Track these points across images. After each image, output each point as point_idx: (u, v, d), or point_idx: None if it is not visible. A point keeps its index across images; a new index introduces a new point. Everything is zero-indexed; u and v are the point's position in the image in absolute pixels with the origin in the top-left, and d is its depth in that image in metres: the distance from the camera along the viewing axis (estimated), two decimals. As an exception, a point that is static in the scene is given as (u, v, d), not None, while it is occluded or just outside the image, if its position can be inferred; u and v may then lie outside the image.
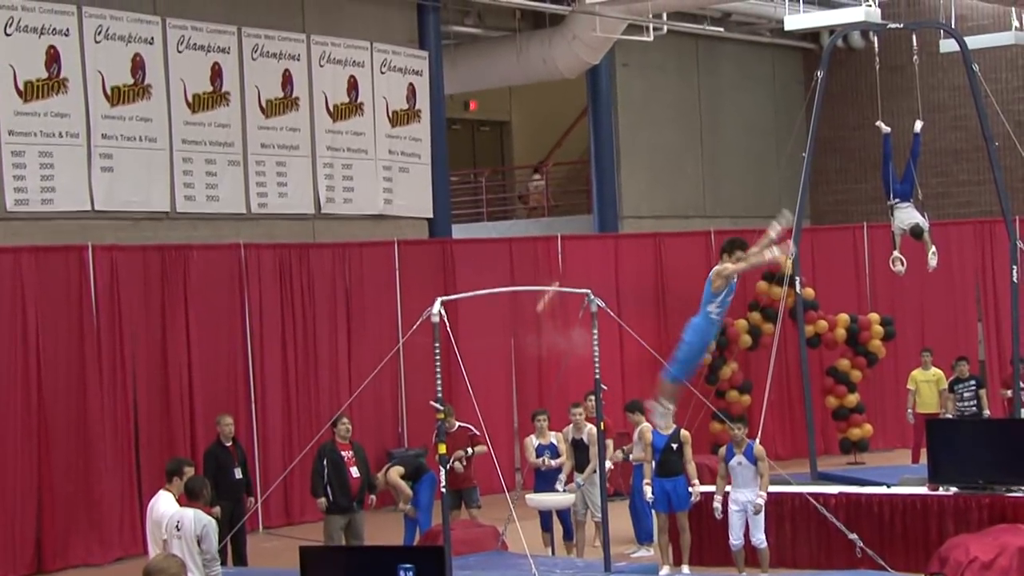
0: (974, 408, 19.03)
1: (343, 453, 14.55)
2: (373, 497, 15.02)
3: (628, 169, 25.11)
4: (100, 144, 17.64)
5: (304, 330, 19.23)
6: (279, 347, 18.95)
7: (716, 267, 13.80)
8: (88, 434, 16.81)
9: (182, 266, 18.02)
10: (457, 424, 15.49)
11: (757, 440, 14.29)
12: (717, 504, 13.83)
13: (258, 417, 18.59)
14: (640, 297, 21.75)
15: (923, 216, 17.26)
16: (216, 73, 19.00)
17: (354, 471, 14.50)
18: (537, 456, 15.24)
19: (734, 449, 13.86)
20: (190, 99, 18.65)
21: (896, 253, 17.18)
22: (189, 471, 11.32)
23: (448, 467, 15.04)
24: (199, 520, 10.55)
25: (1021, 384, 18.70)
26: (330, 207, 20.37)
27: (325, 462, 14.48)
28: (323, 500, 14.51)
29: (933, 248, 16.70)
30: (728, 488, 13.87)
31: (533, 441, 15.41)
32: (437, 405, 11.94)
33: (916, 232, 16.84)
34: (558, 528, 15.27)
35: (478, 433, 15.39)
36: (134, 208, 18.12)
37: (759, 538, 13.72)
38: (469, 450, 15.43)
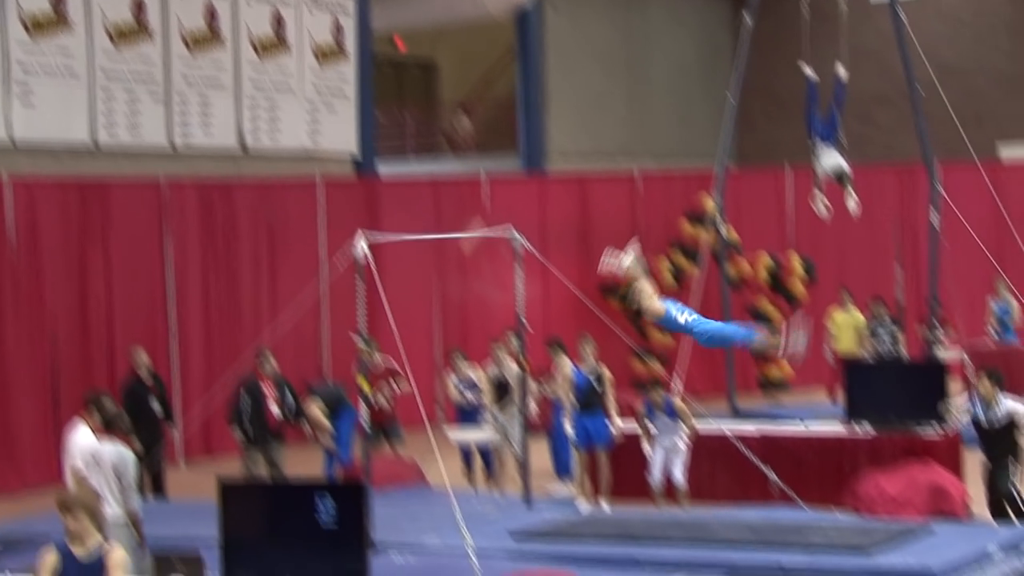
0: (890, 348, 19.30)
1: (265, 388, 14.52)
2: (309, 428, 15.08)
3: (555, 110, 25.12)
4: (19, 76, 17.41)
5: (226, 267, 19.16)
6: (200, 283, 18.89)
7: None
8: (5, 365, 16.72)
9: (103, 201, 17.88)
10: (380, 360, 15.53)
11: (675, 393, 14.49)
12: (648, 448, 13.97)
13: (179, 351, 18.55)
14: (565, 237, 21.83)
15: (844, 160, 17.39)
16: (139, 6, 18.78)
17: (274, 409, 14.47)
18: (458, 393, 15.34)
19: (654, 409, 13.99)
20: (112, 32, 18.44)
21: (819, 193, 17.31)
22: (108, 403, 11.28)
23: (371, 402, 15.15)
24: (117, 452, 10.51)
25: (936, 325, 18.98)
26: (254, 144, 20.25)
27: (245, 395, 14.47)
28: (238, 431, 14.56)
29: (853, 195, 16.84)
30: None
31: (453, 378, 15.51)
32: (358, 338, 11.96)
33: (840, 176, 16.97)
34: (479, 463, 15.38)
35: (399, 369, 15.45)
36: (54, 142, 17.93)
37: (678, 475, 13.89)
38: (392, 385, 15.49)
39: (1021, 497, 12.12)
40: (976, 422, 12.34)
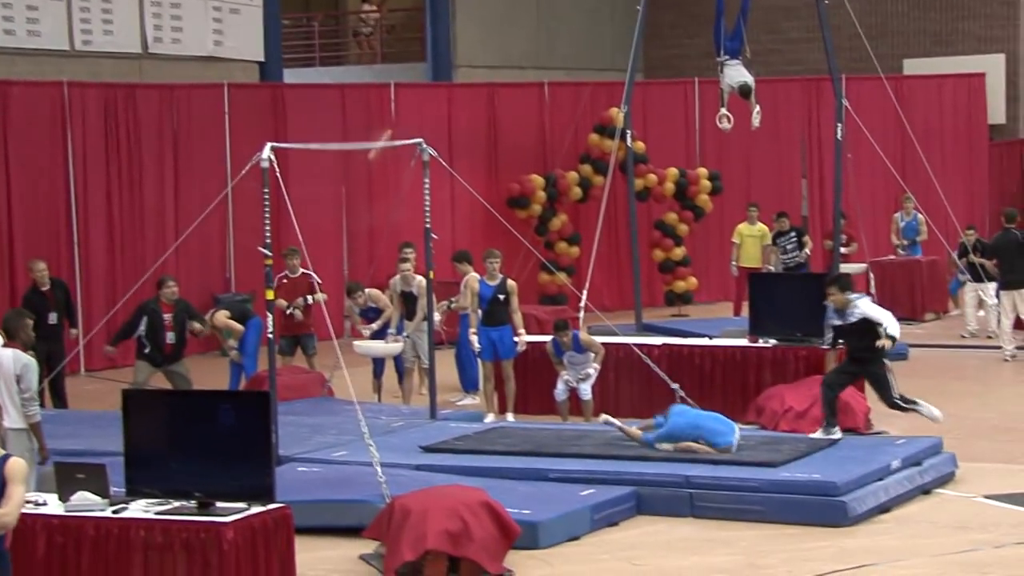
0: (797, 258, 19.40)
1: (164, 316, 14.21)
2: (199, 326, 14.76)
3: (463, 17, 24.87)
4: (-88, -27, 16.95)
5: (129, 173, 18.85)
6: (103, 190, 18.58)
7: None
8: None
9: (2, 104, 17.46)
10: (300, 270, 15.40)
11: (581, 328, 14.68)
12: (562, 387, 13.97)
13: (81, 260, 18.26)
14: (472, 147, 21.69)
15: (750, 74, 17.38)
16: (37, -98, 18.31)
17: (170, 336, 14.16)
18: (362, 321, 15.30)
19: (562, 348, 13.99)
20: (9, -71, 17.98)
21: (723, 110, 17.30)
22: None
23: (288, 312, 15.07)
24: (18, 359, 10.33)
25: (842, 237, 19.17)
26: (158, 47, 19.89)
27: (144, 319, 14.17)
28: (110, 348, 14.56)
29: (757, 107, 16.87)
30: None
31: (354, 308, 15.43)
32: (265, 251, 11.82)
33: (744, 91, 16.96)
34: (389, 376, 15.33)
35: (319, 280, 15.36)
36: (-50, 41, 17.51)
37: (584, 390, 13.92)
38: (309, 297, 15.39)
39: (908, 400, 12.35)
40: (834, 325, 12.51)
